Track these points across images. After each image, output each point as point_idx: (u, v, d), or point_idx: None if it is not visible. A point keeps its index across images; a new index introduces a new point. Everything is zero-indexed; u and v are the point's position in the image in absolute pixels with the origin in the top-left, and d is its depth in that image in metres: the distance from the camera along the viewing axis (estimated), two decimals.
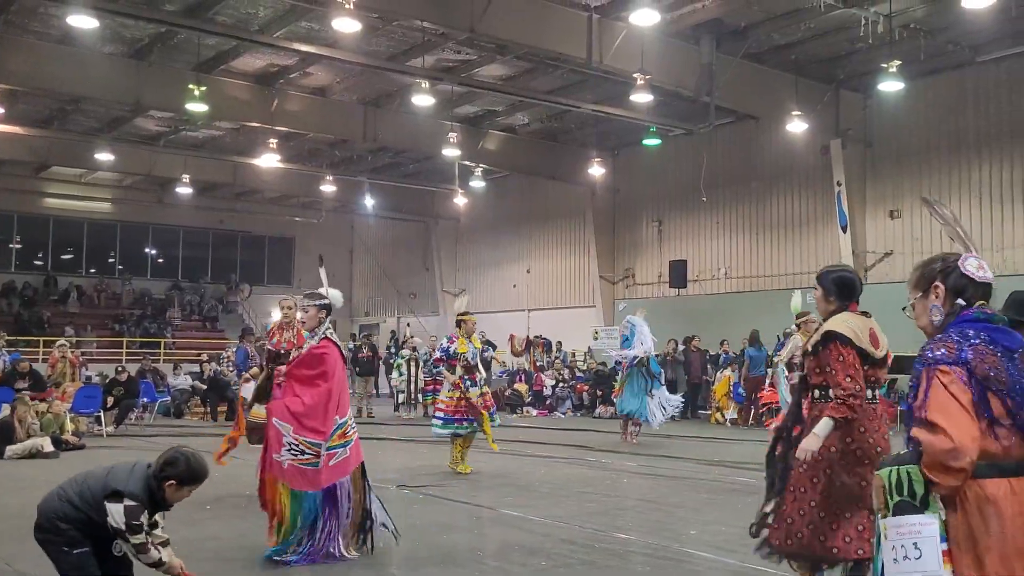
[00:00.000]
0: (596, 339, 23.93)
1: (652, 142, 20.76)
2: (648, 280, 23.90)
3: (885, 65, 15.18)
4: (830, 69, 18.18)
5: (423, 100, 17.97)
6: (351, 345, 23.20)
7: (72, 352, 17.63)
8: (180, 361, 23.90)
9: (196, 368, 20.73)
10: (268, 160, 22.49)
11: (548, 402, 21.56)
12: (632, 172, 24.39)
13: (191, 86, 17.15)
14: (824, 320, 4.47)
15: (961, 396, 2.47)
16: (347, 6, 13.22)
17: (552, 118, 22.20)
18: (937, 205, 3.13)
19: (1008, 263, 17.04)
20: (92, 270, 31.73)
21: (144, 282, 32.16)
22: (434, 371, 10.75)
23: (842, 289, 4.51)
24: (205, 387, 19.23)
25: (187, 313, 31.70)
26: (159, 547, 4.37)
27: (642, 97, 16.34)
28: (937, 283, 2.79)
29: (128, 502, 4.18)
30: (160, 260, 33.05)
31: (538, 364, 23.18)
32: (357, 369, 20.59)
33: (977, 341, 2.58)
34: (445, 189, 26.44)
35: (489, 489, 9.19)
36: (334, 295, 6.46)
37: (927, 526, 2.47)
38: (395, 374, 20.23)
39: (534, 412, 21.04)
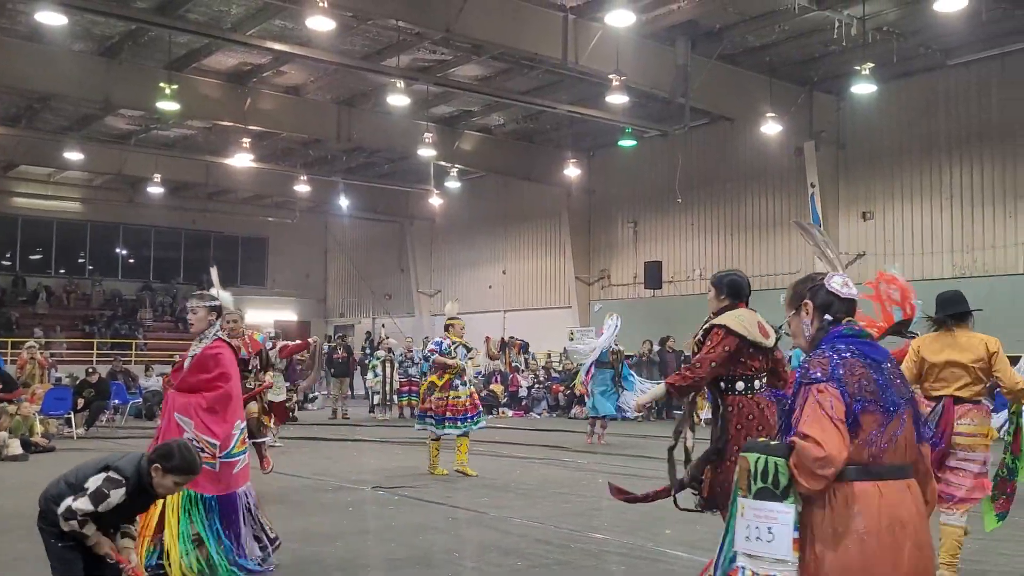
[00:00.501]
0: (572, 340, 23.92)
1: (627, 143, 20.80)
2: (623, 281, 23.95)
3: (858, 67, 15.29)
4: (804, 71, 18.30)
5: (398, 100, 17.89)
6: (326, 346, 23.08)
7: (41, 353, 17.37)
8: (152, 362, 23.67)
9: (168, 369, 20.45)
10: (241, 159, 22.29)
11: (524, 403, 21.55)
12: (607, 173, 24.44)
13: (162, 84, 16.94)
14: (714, 315, 4.80)
15: (834, 411, 2.66)
16: (321, 4, 13.13)
17: (528, 119, 22.20)
18: (808, 227, 3.49)
19: (978, 264, 17.25)
20: (62, 271, 31.33)
21: (115, 283, 31.81)
22: (429, 360, 10.71)
23: (733, 289, 4.91)
24: None
25: (159, 314, 31.40)
26: (113, 534, 4.25)
27: (617, 98, 16.36)
28: (806, 301, 2.99)
29: (112, 474, 4.13)
30: (131, 260, 32.70)
31: (513, 365, 23.17)
32: (332, 370, 20.49)
33: (848, 355, 2.78)
34: (420, 189, 26.35)
35: (465, 490, 9.15)
36: (224, 297, 6.36)
37: (784, 514, 2.66)
38: (370, 375, 20.13)
39: (510, 413, 21.03)
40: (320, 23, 13.62)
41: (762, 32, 16.50)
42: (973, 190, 17.56)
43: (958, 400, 5.31)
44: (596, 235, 24.98)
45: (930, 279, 17.43)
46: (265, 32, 16.32)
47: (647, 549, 6.41)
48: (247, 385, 8.87)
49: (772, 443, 2.77)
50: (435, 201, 25.89)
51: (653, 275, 21.94)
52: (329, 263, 35.15)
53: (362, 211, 29.47)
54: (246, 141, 21.55)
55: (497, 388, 21.94)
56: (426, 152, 20.64)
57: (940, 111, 17.97)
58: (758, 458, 2.71)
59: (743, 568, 2.74)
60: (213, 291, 6.20)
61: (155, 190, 26.52)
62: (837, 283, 2.98)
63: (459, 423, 10.07)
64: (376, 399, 19.89)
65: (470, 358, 10.77)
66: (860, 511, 2.65)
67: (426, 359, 19.32)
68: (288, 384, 13.90)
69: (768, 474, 2.68)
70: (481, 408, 10.65)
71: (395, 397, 19.54)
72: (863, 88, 15.80)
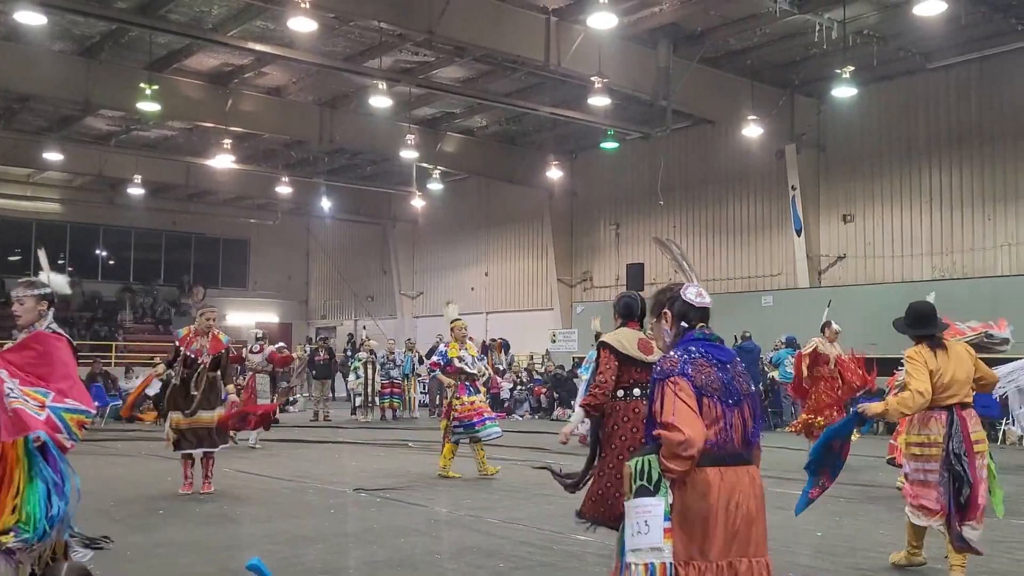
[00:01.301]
0: (554, 342, 23.97)
1: (610, 145, 20.85)
2: (606, 283, 23.99)
3: (839, 71, 15.41)
4: (785, 74, 18.40)
5: (380, 101, 17.86)
6: (308, 348, 22.98)
7: None
8: (132, 364, 23.47)
9: (148, 371, 20.30)
10: (222, 161, 22.17)
11: (506, 404, 21.53)
12: (590, 175, 24.48)
13: (143, 85, 16.85)
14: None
15: (689, 400, 3.05)
16: (303, 5, 13.09)
17: (510, 121, 22.21)
18: (667, 242, 3.93)
19: (957, 267, 17.39)
20: (41, 272, 30.96)
21: (95, 284, 31.49)
22: (431, 374, 10.71)
23: (624, 310, 5.57)
24: (158, 390, 18.85)
25: (139, 316, 31.16)
26: None
27: (600, 100, 16.39)
28: (666, 310, 3.37)
29: None
30: (111, 262, 32.43)
31: (496, 367, 23.13)
32: (314, 372, 20.40)
33: (697, 356, 3.17)
34: (402, 191, 26.31)
35: (447, 492, 9.12)
36: (56, 282, 5.31)
37: (656, 507, 3.01)
38: (352, 377, 20.06)
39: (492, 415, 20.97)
40: (302, 24, 13.57)
41: (743, 35, 16.59)
42: (952, 193, 17.71)
43: (964, 406, 5.50)
44: (578, 237, 25.01)
45: (909, 281, 17.56)
46: (247, 33, 16.26)
47: None
48: (192, 388, 8.74)
49: (645, 446, 3.15)
50: (417, 203, 25.84)
51: (635, 277, 21.96)
52: (311, 265, 35.02)
53: (344, 213, 29.38)
54: (227, 142, 21.45)
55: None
56: (408, 154, 20.60)
57: (920, 114, 18.12)
58: (636, 461, 3.08)
59: (632, 564, 3.05)
60: (43, 276, 5.32)
61: (135, 191, 26.35)
62: (691, 294, 3.36)
63: (477, 427, 10.07)
64: (358, 401, 19.82)
65: (481, 359, 10.79)
66: (706, 492, 3.04)
67: (382, 364, 19.38)
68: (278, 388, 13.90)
69: (644, 472, 3.05)
70: (493, 415, 10.64)
71: (377, 399, 19.48)
72: (843, 91, 15.92)
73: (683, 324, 3.33)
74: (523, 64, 17.05)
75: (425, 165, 23.21)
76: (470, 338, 11.25)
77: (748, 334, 17.22)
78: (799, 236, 19.36)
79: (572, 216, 25.13)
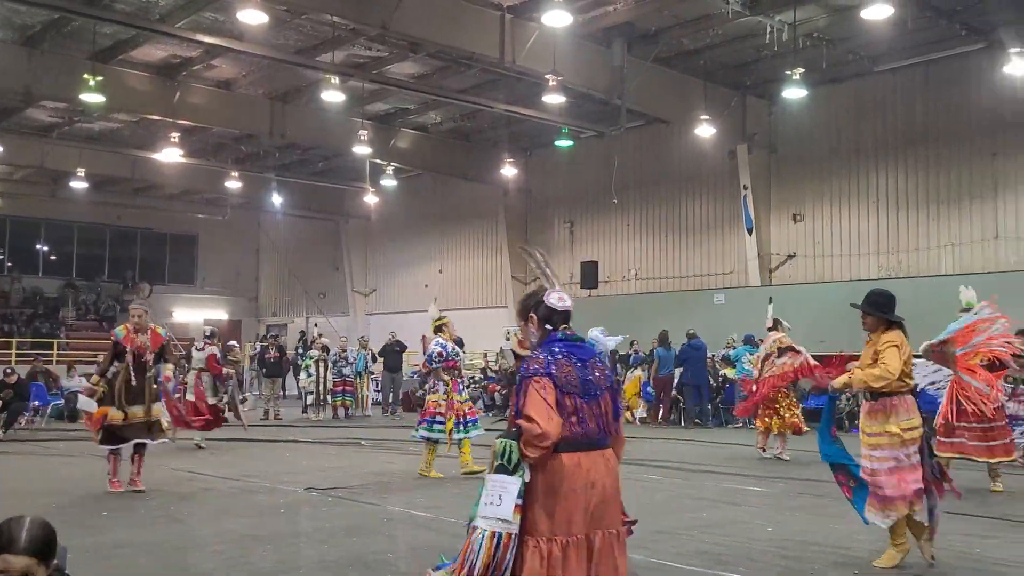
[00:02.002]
0: (508, 340, 23.92)
1: (564, 143, 20.87)
2: (560, 281, 23.98)
3: (789, 72, 15.59)
4: (737, 75, 18.59)
5: (333, 96, 17.65)
6: (258, 346, 22.68)
7: None
8: (75, 362, 22.89)
9: (92, 369, 19.88)
10: (169, 154, 21.76)
11: None
12: (544, 173, 24.50)
13: (86, 76, 16.43)
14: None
15: (548, 397, 3.38)
16: None
17: (465, 117, 22.13)
18: (531, 250, 4.04)
19: (903, 266, 17.72)
20: None
21: (35, 280, 30.76)
22: (434, 365, 10.62)
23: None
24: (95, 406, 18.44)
25: (82, 312, 30.47)
26: None
27: (554, 98, 16.40)
28: (531, 314, 3.67)
29: None
30: (53, 257, 31.69)
31: None
32: (264, 370, 20.12)
33: (560, 356, 3.50)
34: (355, 187, 26.08)
35: (399, 491, 9.03)
36: None
37: (511, 485, 3.37)
38: (303, 375, 19.83)
39: None
40: (252, 16, 13.36)
41: (697, 36, 16.71)
42: (898, 194, 18.04)
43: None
44: (533, 235, 25.02)
45: (857, 280, 17.87)
46: (195, 24, 15.95)
47: None
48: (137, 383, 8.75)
49: (510, 431, 3.45)
50: (371, 199, 25.65)
51: (589, 275, 22.06)
52: (261, 261, 34.57)
53: (296, 209, 29.05)
54: (175, 136, 21.06)
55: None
56: (361, 150, 20.42)
57: (867, 116, 18.43)
58: (501, 443, 3.41)
59: (479, 528, 3.42)
60: None
61: (78, 185, 25.72)
62: (554, 299, 3.67)
63: (468, 426, 10.00)
64: (309, 399, 19.60)
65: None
66: (565, 476, 3.41)
67: (334, 362, 19.18)
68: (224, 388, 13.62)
69: (506, 454, 3.39)
70: (475, 417, 10.49)
71: (329, 397, 19.29)
72: (794, 93, 16.12)
73: (547, 326, 3.65)
74: (478, 61, 16.98)
75: (378, 161, 23.04)
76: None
77: (693, 332, 17.34)
78: (750, 235, 19.58)
79: (526, 214, 25.13)
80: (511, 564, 3.39)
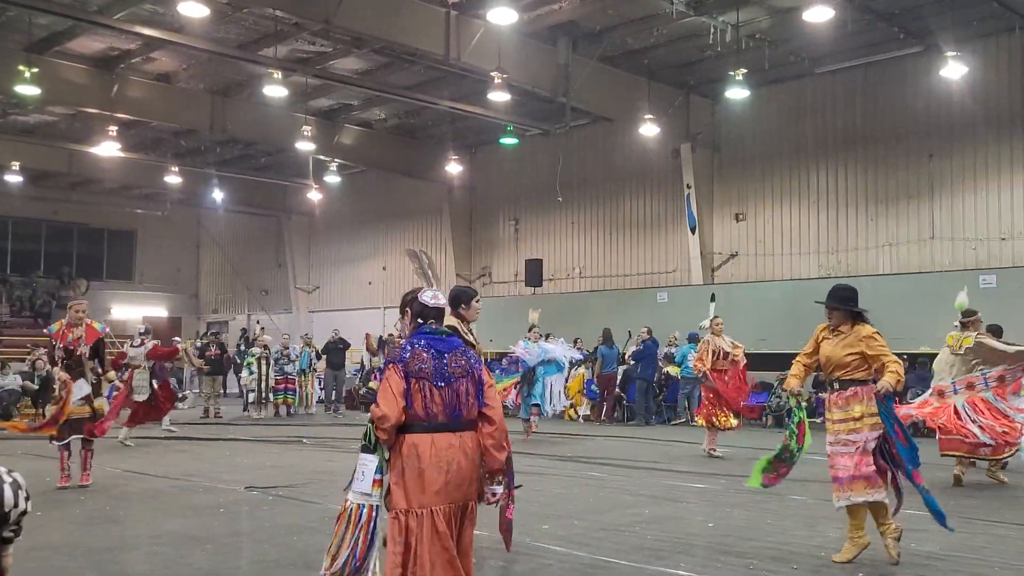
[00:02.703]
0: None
1: (509, 141, 20.88)
2: (504, 279, 24.04)
3: (732, 73, 15.77)
4: (681, 75, 18.75)
5: (275, 91, 17.37)
6: (198, 343, 22.31)
7: None
8: (8, 360, 22.24)
9: (27, 367, 19.41)
10: (107, 148, 21.26)
11: None
12: (489, 171, 24.48)
13: (21, 67, 16.01)
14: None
15: (396, 384, 3.85)
16: None
17: (409, 114, 22.00)
18: (417, 252, 4.76)
19: (842, 265, 18.06)
20: None
21: None
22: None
23: (421, 312, 6.15)
24: (36, 387, 18.05)
25: (16, 309, 29.62)
26: None
27: (499, 96, 16.39)
28: (407, 309, 4.20)
29: None
30: None
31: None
32: (205, 368, 19.77)
33: (418, 346, 3.97)
34: (298, 183, 25.76)
35: (342, 489, 8.93)
36: None
37: (371, 462, 3.91)
38: (245, 373, 19.57)
39: None
40: (193, 9, 13.15)
41: (641, 35, 16.82)
42: (838, 194, 18.38)
43: None
44: (477, 232, 24.99)
45: (798, 279, 18.17)
46: (134, 16, 15.60)
47: (524, 545, 6.39)
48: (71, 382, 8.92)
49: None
50: (314, 195, 25.35)
51: (534, 273, 22.09)
52: (202, 257, 33.99)
53: (237, 204, 28.60)
54: (113, 129, 20.58)
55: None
56: (304, 145, 20.19)
57: (808, 117, 18.73)
58: (367, 426, 3.95)
59: (349, 500, 3.97)
60: None
61: (13, 178, 25.00)
62: (428, 297, 4.19)
63: None
64: (251, 397, 19.34)
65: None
66: (419, 454, 3.84)
67: (276, 360, 18.95)
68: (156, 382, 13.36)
69: (367, 435, 3.94)
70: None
71: (271, 395, 19.06)
72: (736, 93, 16.32)
73: (419, 320, 4.14)
74: (422, 57, 16.88)
75: (322, 157, 22.80)
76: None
77: (649, 329, 17.49)
78: (693, 234, 19.78)
79: (471, 211, 25.08)
80: (375, 533, 3.86)
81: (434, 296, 4.20)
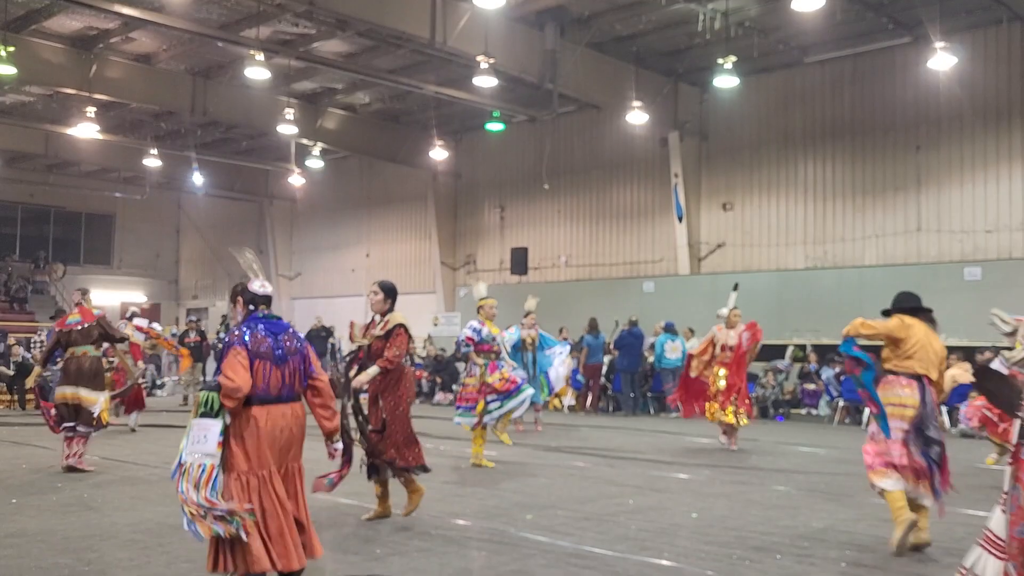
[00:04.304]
0: (436, 325, 23.72)
1: (495, 127, 20.68)
2: (490, 267, 23.86)
3: (721, 61, 15.63)
4: (669, 62, 18.61)
5: (257, 73, 17.05)
6: (174, 330, 22.05)
7: None
8: None
9: (1, 352, 19.13)
10: (85, 130, 20.86)
11: None
12: (475, 157, 24.28)
13: None
14: (384, 314, 6.98)
15: (241, 361, 4.50)
16: None
17: (394, 99, 21.74)
18: (239, 249, 5.13)
19: (829, 256, 18.00)
20: None
21: None
22: (463, 350, 10.43)
23: (395, 295, 7.08)
24: (12, 373, 17.80)
25: None
26: None
27: (486, 81, 16.16)
28: (239, 297, 4.82)
29: None
30: None
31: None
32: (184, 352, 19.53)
33: (256, 330, 4.64)
34: (280, 168, 25.48)
35: (316, 476, 8.77)
36: None
37: (214, 426, 4.44)
38: None
39: None
40: None
41: (629, 22, 16.66)
42: (825, 185, 18.30)
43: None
44: (463, 220, 24.80)
45: (784, 269, 18.11)
46: None
47: (508, 535, 6.32)
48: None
49: (209, 382, 4.58)
50: (296, 180, 25.04)
51: (519, 261, 21.94)
52: (182, 242, 33.64)
53: (218, 189, 28.27)
54: (91, 110, 20.19)
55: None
56: (287, 129, 19.92)
57: (796, 107, 18.65)
58: (204, 394, 4.48)
59: (187, 463, 4.41)
60: None
61: None
62: (256, 286, 4.80)
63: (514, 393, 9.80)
64: None
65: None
66: (258, 424, 4.52)
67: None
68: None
69: (208, 403, 4.45)
70: (515, 385, 10.09)
71: None
72: (725, 81, 16.18)
73: (250, 307, 4.75)
74: (408, 41, 16.64)
75: (305, 141, 22.52)
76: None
77: (635, 319, 17.40)
78: (680, 223, 19.67)
79: (456, 198, 24.89)
80: (216, 487, 4.37)
81: (262, 285, 4.81)
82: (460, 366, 10.68)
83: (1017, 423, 3.72)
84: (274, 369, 4.57)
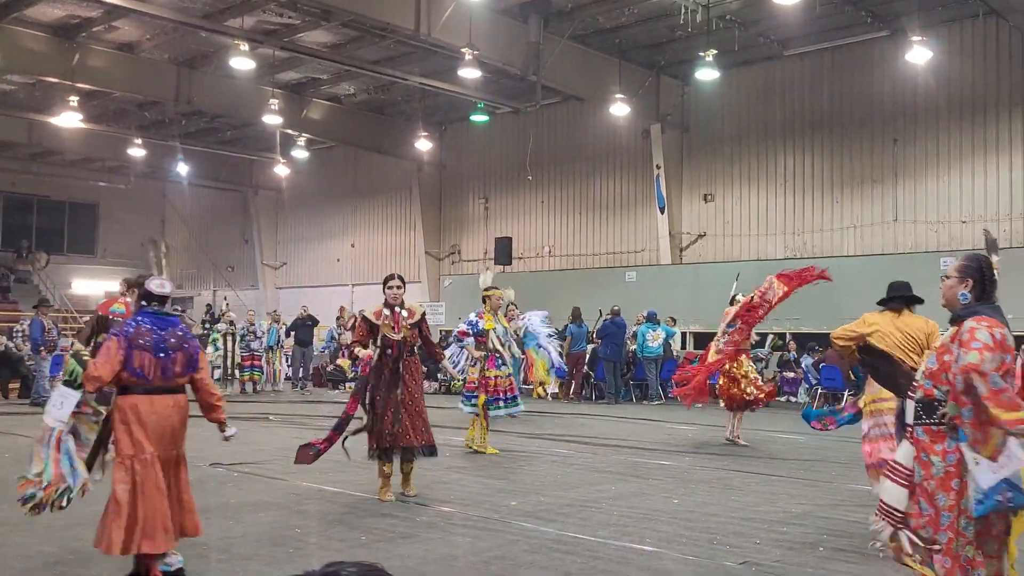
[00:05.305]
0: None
1: (479, 118, 20.76)
2: (474, 257, 23.98)
3: (702, 54, 15.77)
4: (652, 55, 18.74)
5: (242, 63, 17.12)
6: None
7: None
8: None
9: None
10: (68, 119, 20.79)
11: None
12: (459, 148, 24.35)
13: None
14: (402, 306, 7.44)
15: (117, 352, 4.72)
16: None
17: (379, 89, 21.78)
18: (154, 240, 6.29)
19: (807, 247, 18.23)
20: None
21: None
22: (458, 344, 10.46)
23: (147, 295, 7.06)
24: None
25: None
26: None
27: (470, 72, 16.26)
28: (135, 291, 5.12)
29: None
30: None
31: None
32: None
33: (142, 323, 4.86)
34: (265, 158, 25.45)
35: (307, 466, 8.89)
36: None
37: (72, 396, 4.80)
38: (210, 349, 19.34)
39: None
40: None
41: (612, 14, 16.78)
42: (804, 176, 18.52)
43: None
44: (447, 210, 24.88)
45: (764, 259, 18.30)
46: None
47: (492, 520, 6.43)
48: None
49: (81, 356, 4.93)
50: (281, 170, 25.04)
51: (503, 251, 22.06)
52: (167, 232, 33.48)
53: (203, 178, 28.22)
54: (74, 99, 20.13)
55: (344, 363, 21.52)
56: (272, 119, 19.94)
57: (776, 100, 18.83)
58: (72, 363, 4.89)
59: (48, 426, 4.76)
60: None
61: None
62: (154, 284, 4.98)
63: (502, 403, 9.89)
64: (216, 374, 19.10)
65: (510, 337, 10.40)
66: (140, 412, 4.78)
67: (242, 336, 18.78)
68: None
69: (73, 373, 4.82)
70: (516, 392, 10.23)
71: (236, 372, 18.92)
72: (706, 74, 16.32)
73: (143, 303, 4.97)
74: (392, 32, 16.70)
75: (290, 132, 22.53)
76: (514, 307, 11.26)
77: (617, 309, 17.55)
78: (662, 214, 19.85)
79: (441, 189, 24.95)
80: (65, 452, 4.72)
81: (160, 284, 4.99)
82: (447, 352, 10.67)
83: (909, 404, 3.80)
84: (153, 360, 4.80)
